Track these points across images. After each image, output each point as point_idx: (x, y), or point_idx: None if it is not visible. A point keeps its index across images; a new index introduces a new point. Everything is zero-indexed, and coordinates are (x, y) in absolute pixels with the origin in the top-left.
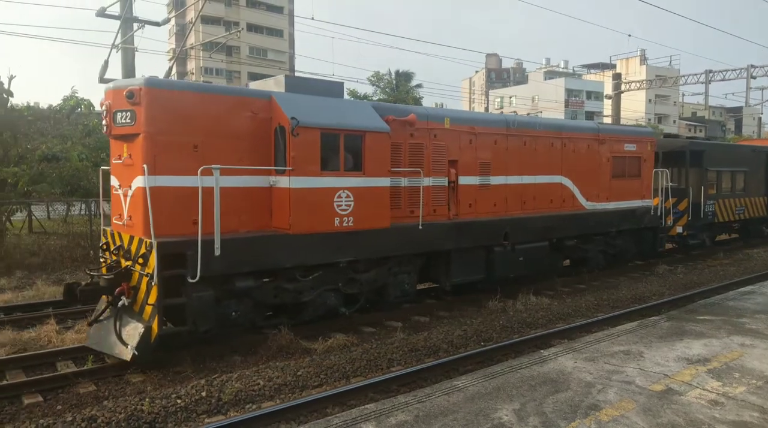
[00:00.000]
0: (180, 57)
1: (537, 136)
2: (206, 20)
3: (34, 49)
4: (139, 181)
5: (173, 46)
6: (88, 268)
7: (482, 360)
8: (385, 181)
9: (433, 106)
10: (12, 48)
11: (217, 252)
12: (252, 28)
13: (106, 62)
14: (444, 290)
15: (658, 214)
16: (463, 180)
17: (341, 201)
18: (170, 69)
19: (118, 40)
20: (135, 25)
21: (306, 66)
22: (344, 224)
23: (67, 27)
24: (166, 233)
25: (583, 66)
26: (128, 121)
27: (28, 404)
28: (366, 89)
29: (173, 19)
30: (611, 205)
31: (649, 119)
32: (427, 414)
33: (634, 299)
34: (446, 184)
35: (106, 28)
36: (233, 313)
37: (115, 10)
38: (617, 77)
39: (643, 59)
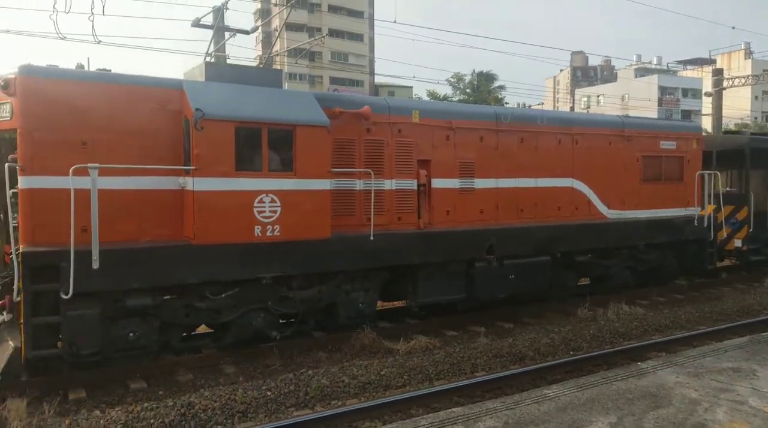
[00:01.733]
0: (266, 63)
1: (538, 132)
2: (290, 27)
3: (132, 59)
4: (20, 182)
5: (260, 53)
6: None
7: (572, 369)
8: (322, 184)
9: (515, 106)
10: (119, 58)
11: (95, 264)
12: (334, 33)
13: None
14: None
15: (705, 224)
16: (438, 183)
17: (264, 206)
18: None
19: (211, 49)
20: (226, 34)
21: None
22: (268, 233)
23: (165, 38)
24: (45, 242)
25: (679, 62)
26: (6, 115)
27: (133, 388)
28: (446, 91)
29: (260, 27)
30: (642, 214)
31: (756, 118)
32: (517, 421)
33: (741, 312)
34: (414, 188)
35: (199, 38)
36: (130, 335)
37: (209, 20)
38: (718, 73)
39: (749, 53)
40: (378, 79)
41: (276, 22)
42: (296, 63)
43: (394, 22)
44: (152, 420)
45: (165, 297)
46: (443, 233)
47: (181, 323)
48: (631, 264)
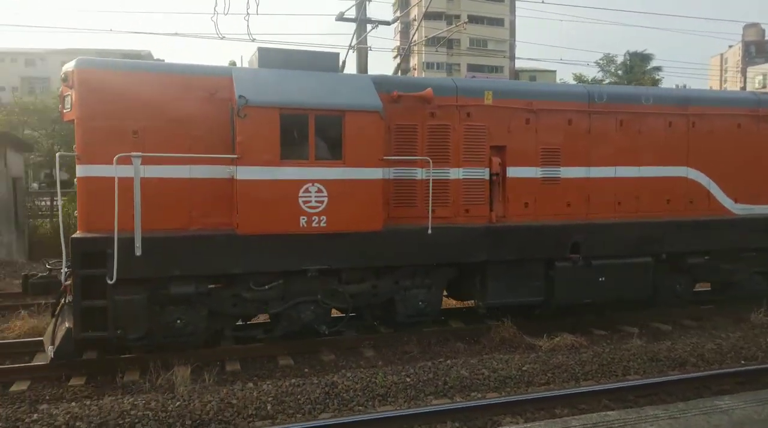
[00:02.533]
0: (405, 54)
1: (643, 113)
2: (429, 16)
3: None
4: (77, 171)
5: (398, 44)
6: (48, 261)
7: (744, 381)
8: (374, 173)
9: (674, 86)
10: None
11: (138, 252)
12: (473, 19)
13: (343, 63)
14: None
15: None
16: (515, 171)
17: (310, 196)
18: (398, 66)
19: (354, 41)
20: (368, 26)
21: (529, 52)
22: (314, 224)
23: (312, 33)
24: (100, 228)
25: None
26: (68, 106)
27: (282, 364)
28: (594, 74)
29: (399, 18)
30: None
31: None
32: None
33: None
34: (485, 177)
35: (343, 31)
36: (178, 321)
37: (352, 13)
38: None
39: None
40: (519, 64)
41: (415, 12)
42: (435, 51)
43: (542, 2)
44: (299, 396)
45: (210, 286)
46: (516, 228)
47: (229, 312)
48: (763, 270)
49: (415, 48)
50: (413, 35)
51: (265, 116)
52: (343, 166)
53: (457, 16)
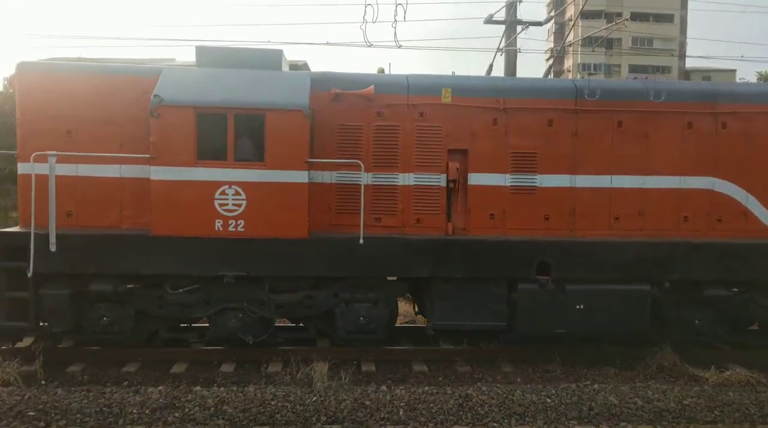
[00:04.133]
0: (557, 56)
1: (651, 112)
2: (585, 15)
3: (432, 59)
4: (18, 169)
5: (551, 46)
6: None
7: None
8: (298, 176)
9: None
10: (418, 59)
11: (53, 247)
12: (636, 16)
13: (491, 66)
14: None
15: None
16: (478, 178)
17: (226, 199)
18: (549, 68)
19: (503, 44)
20: (518, 28)
21: (703, 49)
22: (230, 228)
23: (459, 37)
24: (38, 224)
25: None
26: (15, 108)
27: (416, 370)
28: None
29: (552, 18)
30: None
31: None
32: None
33: None
34: (440, 184)
35: (491, 34)
36: (104, 318)
37: (501, 15)
38: None
39: None
40: (690, 63)
41: (570, 11)
42: (592, 52)
43: None
44: (432, 405)
45: (129, 286)
46: (465, 241)
47: (156, 314)
48: None
49: (571, 49)
50: (567, 35)
51: (180, 115)
52: (263, 168)
53: (618, 14)
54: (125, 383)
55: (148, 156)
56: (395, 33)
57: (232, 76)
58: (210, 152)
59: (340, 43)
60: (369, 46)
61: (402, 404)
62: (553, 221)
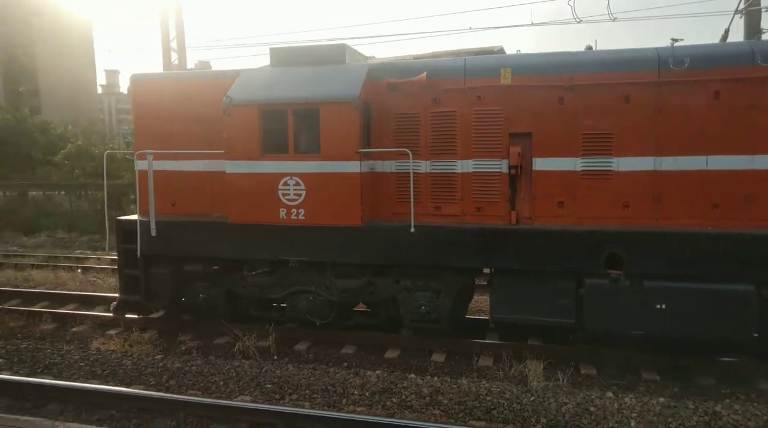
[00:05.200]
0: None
1: (760, 79)
2: None
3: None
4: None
5: None
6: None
7: None
8: (350, 166)
9: None
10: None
11: (153, 233)
12: None
13: (727, 31)
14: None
15: None
16: (544, 163)
17: (288, 189)
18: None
19: (742, 4)
20: None
21: None
22: (293, 217)
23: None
24: (158, 213)
25: None
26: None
27: (645, 378)
28: None
29: None
30: None
31: None
32: None
33: None
34: (501, 171)
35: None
36: (201, 295)
37: None
38: None
39: None
40: None
41: None
42: None
43: None
44: (670, 419)
45: (215, 268)
46: (518, 231)
47: (241, 293)
48: None
49: None
50: None
51: (246, 113)
52: (319, 159)
53: None
54: (345, 364)
55: (221, 151)
56: (608, 4)
57: (293, 74)
58: (273, 146)
59: (545, 22)
60: (578, 22)
61: (633, 415)
62: (633, 209)
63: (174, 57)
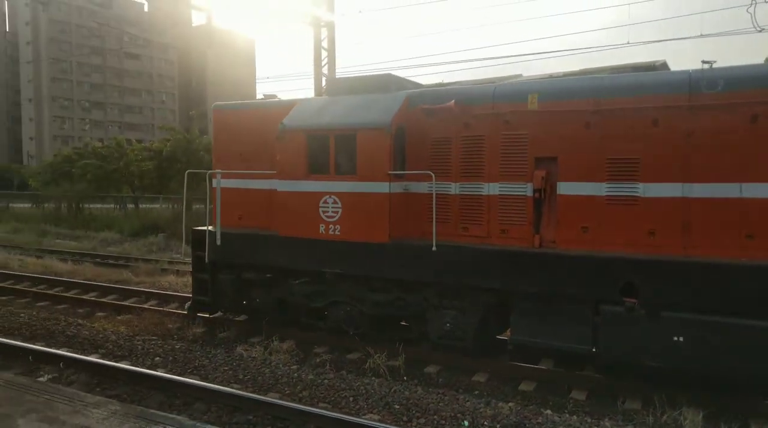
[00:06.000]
0: None
1: None
2: None
3: None
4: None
5: None
6: None
7: None
8: (381, 187)
9: None
10: None
11: (218, 242)
12: None
13: None
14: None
15: None
16: (568, 187)
17: (327, 207)
18: None
19: None
20: None
21: None
22: (330, 232)
23: None
24: (224, 224)
25: None
26: None
27: None
28: None
29: None
30: None
31: None
32: None
33: None
34: (526, 194)
35: None
36: (256, 300)
37: None
38: None
39: None
40: None
41: None
42: None
43: None
44: None
45: (267, 276)
46: (535, 254)
47: (290, 301)
48: None
49: None
50: None
51: (295, 138)
52: (355, 179)
53: None
54: (476, 392)
55: (273, 172)
56: None
57: (339, 103)
58: (317, 167)
59: (717, 33)
60: (759, 31)
61: None
62: (660, 237)
63: (324, 82)
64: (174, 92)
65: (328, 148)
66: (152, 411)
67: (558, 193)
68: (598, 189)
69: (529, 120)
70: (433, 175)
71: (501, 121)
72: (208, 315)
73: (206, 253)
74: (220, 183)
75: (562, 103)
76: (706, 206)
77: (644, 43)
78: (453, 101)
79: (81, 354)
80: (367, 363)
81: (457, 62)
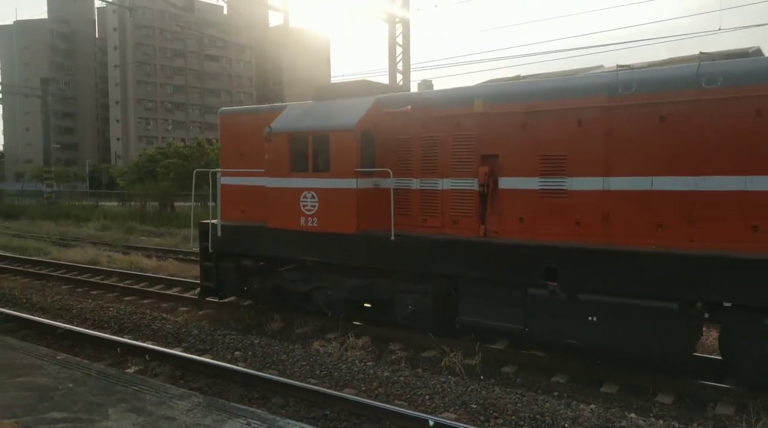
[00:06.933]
0: None
1: (705, 101)
2: None
3: None
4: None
5: None
6: None
7: None
8: (348, 183)
9: None
10: None
11: (219, 233)
12: None
13: None
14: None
15: None
16: (507, 182)
17: (307, 201)
18: None
19: None
20: None
21: None
22: (309, 224)
23: None
24: (229, 218)
25: None
26: None
27: None
28: None
29: None
30: None
31: None
32: None
33: None
34: (473, 189)
35: None
36: (255, 286)
37: None
38: None
39: None
40: None
41: None
42: None
43: None
44: None
45: (260, 264)
46: (475, 243)
47: (282, 285)
48: None
49: None
50: None
51: (280, 139)
52: (329, 176)
53: None
54: (555, 393)
55: (262, 170)
56: None
57: (319, 107)
58: (298, 165)
59: None
60: None
61: None
62: (584, 227)
63: (399, 78)
64: (252, 92)
65: (307, 149)
66: (233, 404)
67: (499, 187)
68: (531, 183)
69: (475, 121)
70: (390, 172)
71: (453, 122)
72: (217, 300)
73: (210, 243)
74: (222, 180)
75: (502, 105)
76: (621, 198)
77: (737, 28)
78: (410, 106)
79: (165, 347)
80: (443, 362)
81: (535, 54)
